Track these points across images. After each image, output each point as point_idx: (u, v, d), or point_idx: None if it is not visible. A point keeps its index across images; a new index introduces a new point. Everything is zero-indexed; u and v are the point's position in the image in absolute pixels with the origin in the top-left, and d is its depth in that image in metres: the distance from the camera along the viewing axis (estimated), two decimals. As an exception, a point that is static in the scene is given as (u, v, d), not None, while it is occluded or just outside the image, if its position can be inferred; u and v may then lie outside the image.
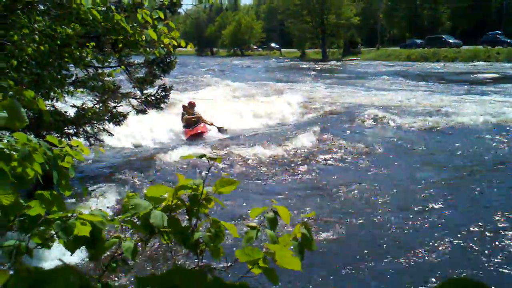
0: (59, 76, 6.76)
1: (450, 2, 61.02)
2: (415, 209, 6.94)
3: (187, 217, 1.48)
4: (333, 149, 10.65)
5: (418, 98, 18.85)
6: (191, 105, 13.95)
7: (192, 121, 13.45)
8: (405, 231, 6.17)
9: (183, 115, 13.71)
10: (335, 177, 8.68)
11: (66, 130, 7.88)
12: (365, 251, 5.63)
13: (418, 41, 55.26)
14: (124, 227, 1.48)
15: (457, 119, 13.43)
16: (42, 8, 5.55)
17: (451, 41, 50.42)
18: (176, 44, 5.59)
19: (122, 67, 8.47)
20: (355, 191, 7.78)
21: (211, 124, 13.74)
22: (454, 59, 43.52)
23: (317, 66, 45.42)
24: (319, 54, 64.31)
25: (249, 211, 6.63)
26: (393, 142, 11.45)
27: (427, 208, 6.92)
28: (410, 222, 6.42)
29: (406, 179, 8.45)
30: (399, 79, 27.86)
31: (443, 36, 52.74)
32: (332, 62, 51.29)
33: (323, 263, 5.26)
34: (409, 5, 64.23)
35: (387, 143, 11.22)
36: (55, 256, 5.12)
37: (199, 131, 12.98)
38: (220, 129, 13.60)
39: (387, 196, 7.53)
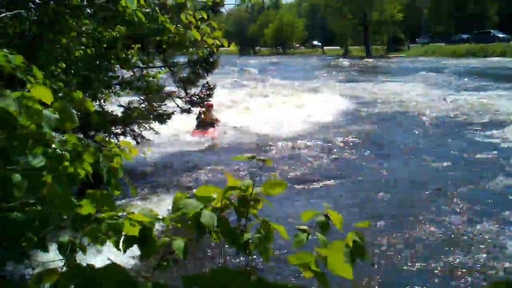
0: (105, 78, 6.92)
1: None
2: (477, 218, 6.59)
3: (235, 217, 1.48)
4: (388, 153, 10.35)
5: (469, 97, 18.28)
6: (208, 106, 13.52)
7: (206, 123, 13.28)
8: (463, 238, 5.95)
9: (199, 114, 13.37)
10: (389, 182, 8.34)
11: (114, 130, 8.06)
12: (415, 258, 5.50)
13: (465, 36, 53.70)
14: (174, 227, 1.49)
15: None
16: (89, 11, 5.69)
17: (499, 35, 48.76)
18: (219, 44, 5.63)
19: (167, 68, 8.60)
20: (412, 199, 7.42)
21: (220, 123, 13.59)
22: (502, 54, 42.02)
23: (360, 63, 44.74)
24: (362, 51, 63.40)
25: (296, 214, 6.54)
26: (452, 146, 10.92)
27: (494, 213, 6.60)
28: (472, 229, 6.18)
29: (470, 188, 7.91)
30: (446, 76, 27.12)
31: (491, 31, 51.04)
32: (376, 59, 50.41)
33: (372, 272, 5.13)
34: (455, 0, 62.37)
35: (446, 146, 10.80)
36: (109, 253, 5.26)
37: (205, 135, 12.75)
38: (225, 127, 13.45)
39: (447, 202, 7.17)
